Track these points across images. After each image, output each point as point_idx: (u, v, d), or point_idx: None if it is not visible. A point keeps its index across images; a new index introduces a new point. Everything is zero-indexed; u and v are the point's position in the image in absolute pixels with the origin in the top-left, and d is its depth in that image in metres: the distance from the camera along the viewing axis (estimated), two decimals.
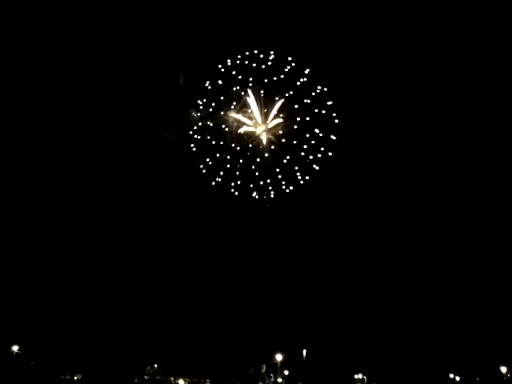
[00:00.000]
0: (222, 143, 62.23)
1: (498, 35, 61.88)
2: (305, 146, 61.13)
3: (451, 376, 68.42)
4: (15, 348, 57.81)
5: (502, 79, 62.72)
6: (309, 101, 60.09)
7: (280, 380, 67.27)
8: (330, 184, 65.63)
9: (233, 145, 62.22)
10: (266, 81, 60.16)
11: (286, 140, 61.32)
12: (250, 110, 60.94)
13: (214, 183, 61.76)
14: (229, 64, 61.42)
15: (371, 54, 66.33)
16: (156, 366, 65.95)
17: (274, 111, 60.54)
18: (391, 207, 69.74)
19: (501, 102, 63.99)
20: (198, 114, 61.99)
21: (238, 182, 61.87)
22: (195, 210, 67.83)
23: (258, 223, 67.58)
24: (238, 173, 62.23)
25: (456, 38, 63.80)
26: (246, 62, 61.01)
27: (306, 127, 61.06)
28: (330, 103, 59.79)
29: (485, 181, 66.04)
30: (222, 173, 61.85)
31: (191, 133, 62.21)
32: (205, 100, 61.83)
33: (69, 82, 65.19)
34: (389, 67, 66.18)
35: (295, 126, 60.66)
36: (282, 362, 66.51)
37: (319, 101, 61.05)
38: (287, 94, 60.47)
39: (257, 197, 62.29)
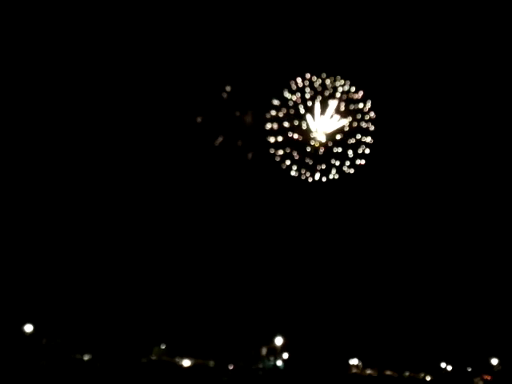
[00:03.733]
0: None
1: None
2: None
3: (443, 365, 68.36)
4: (28, 328, 57.59)
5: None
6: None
7: (280, 363, 67.49)
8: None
9: None
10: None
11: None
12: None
13: None
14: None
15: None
16: (163, 347, 65.87)
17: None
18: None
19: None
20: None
21: None
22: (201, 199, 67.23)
23: (260, 213, 67.49)
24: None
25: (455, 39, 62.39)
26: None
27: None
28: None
29: (485, 181, 65.08)
30: None
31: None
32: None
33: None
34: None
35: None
36: (282, 345, 66.61)
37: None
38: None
39: None
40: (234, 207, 67.40)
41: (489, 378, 64.38)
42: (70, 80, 63.73)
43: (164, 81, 65.15)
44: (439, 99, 66.03)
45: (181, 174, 66.52)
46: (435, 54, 64.70)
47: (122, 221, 65.84)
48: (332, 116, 66.00)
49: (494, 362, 64.74)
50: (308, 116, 65.39)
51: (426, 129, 66.59)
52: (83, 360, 58.52)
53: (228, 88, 64.56)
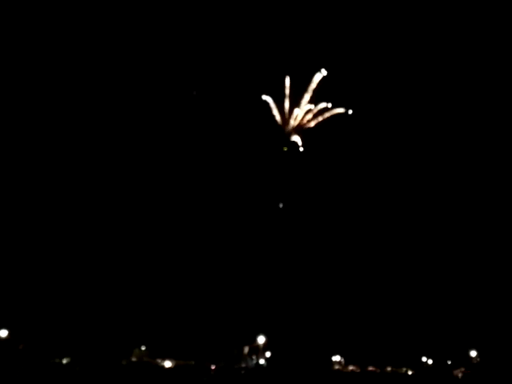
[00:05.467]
0: None
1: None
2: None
3: (424, 359, 69.09)
4: (3, 333, 55.52)
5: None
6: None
7: (262, 361, 67.00)
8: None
9: None
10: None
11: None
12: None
13: None
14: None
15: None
16: (144, 348, 64.58)
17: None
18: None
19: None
20: None
21: None
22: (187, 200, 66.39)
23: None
24: None
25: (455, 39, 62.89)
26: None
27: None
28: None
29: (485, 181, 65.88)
30: None
31: None
32: None
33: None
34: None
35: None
36: (264, 344, 66.11)
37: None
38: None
39: None
40: (210, 209, 66.99)
41: (468, 371, 65.32)
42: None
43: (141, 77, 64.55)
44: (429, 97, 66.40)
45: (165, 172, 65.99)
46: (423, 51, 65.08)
47: (98, 223, 64.66)
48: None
49: (473, 354, 65.70)
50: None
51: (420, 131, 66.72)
52: (62, 364, 56.70)
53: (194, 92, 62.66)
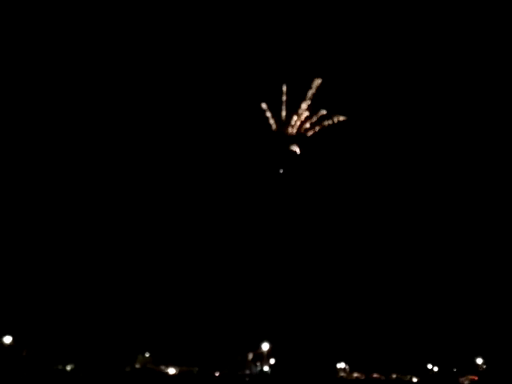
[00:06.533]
0: None
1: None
2: None
3: (429, 366, 68.55)
4: (7, 339, 55.69)
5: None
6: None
7: (266, 368, 66.74)
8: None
9: None
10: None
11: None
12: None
13: None
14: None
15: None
16: (147, 355, 64.52)
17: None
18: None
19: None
20: None
21: None
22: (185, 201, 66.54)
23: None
24: None
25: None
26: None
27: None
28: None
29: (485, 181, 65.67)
30: None
31: None
32: None
33: None
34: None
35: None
36: (268, 351, 65.87)
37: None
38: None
39: None
40: (212, 217, 67.17)
41: (475, 378, 64.69)
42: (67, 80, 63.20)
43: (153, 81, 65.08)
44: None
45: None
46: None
47: (102, 229, 64.80)
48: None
49: (479, 361, 65.11)
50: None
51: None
52: (66, 370, 56.75)
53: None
